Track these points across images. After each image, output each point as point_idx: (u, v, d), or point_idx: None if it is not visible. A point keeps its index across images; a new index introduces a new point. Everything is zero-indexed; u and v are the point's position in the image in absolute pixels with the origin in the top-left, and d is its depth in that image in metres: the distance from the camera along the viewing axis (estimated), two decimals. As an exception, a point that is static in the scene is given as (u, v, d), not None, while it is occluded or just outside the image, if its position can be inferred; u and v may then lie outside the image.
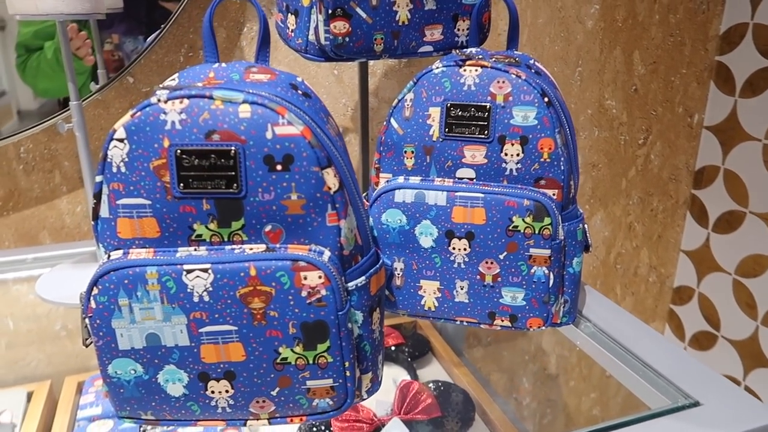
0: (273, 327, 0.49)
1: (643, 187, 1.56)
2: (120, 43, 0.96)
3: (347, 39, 0.71)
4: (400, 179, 0.68)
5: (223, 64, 0.53)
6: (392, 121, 0.68)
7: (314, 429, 0.90)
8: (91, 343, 0.51)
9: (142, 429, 0.93)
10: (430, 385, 1.03)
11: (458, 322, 0.69)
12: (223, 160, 0.47)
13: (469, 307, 0.67)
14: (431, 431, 0.94)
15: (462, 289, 0.67)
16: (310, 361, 0.50)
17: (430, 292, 0.68)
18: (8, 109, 0.96)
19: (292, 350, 0.50)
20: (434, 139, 0.67)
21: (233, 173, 0.48)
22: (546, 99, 0.63)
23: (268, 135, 0.47)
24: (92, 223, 0.50)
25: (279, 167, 0.48)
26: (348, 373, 0.51)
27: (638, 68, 1.40)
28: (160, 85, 0.50)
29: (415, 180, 0.68)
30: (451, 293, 0.67)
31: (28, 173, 0.99)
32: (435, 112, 0.66)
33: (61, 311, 1.06)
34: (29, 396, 0.97)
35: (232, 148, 0.47)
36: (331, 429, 0.91)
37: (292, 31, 0.77)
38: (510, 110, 0.64)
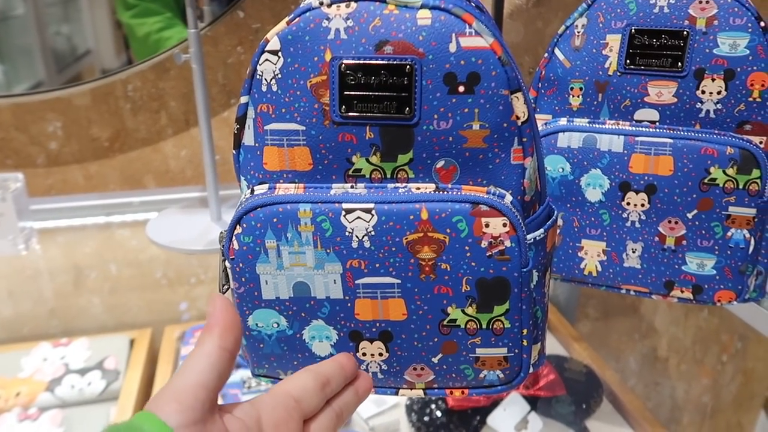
0: (443, 282, 0.41)
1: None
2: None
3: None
4: (563, 121, 0.58)
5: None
6: (557, 52, 0.58)
7: (427, 398, 0.84)
8: (228, 289, 0.45)
9: (246, 386, 0.89)
10: (551, 359, 0.94)
11: (624, 291, 0.59)
12: (395, 78, 0.39)
13: (640, 274, 0.57)
14: (553, 411, 0.85)
15: (634, 252, 0.57)
16: (483, 326, 0.42)
17: (593, 254, 0.58)
18: (92, 69, 0.95)
19: (462, 311, 0.42)
20: (610, 73, 0.56)
21: (406, 94, 0.39)
22: (762, 24, 0.51)
23: (452, 47, 0.38)
24: (233, 152, 0.44)
25: (461, 88, 0.39)
26: (525, 342, 0.43)
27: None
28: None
29: (581, 122, 0.58)
30: (619, 257, 0.57)
31: (135, 113, 0.95)
32: (614, 41, 0.55)
33: (162, 259, 1.03)
34: (131, 343, 0.95)
35: (408, 62, 0.39)
36: (445, 399, 0.84)
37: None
38: (714, 37, 0.52)
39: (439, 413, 0.81)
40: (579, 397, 0.85)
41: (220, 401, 0.36)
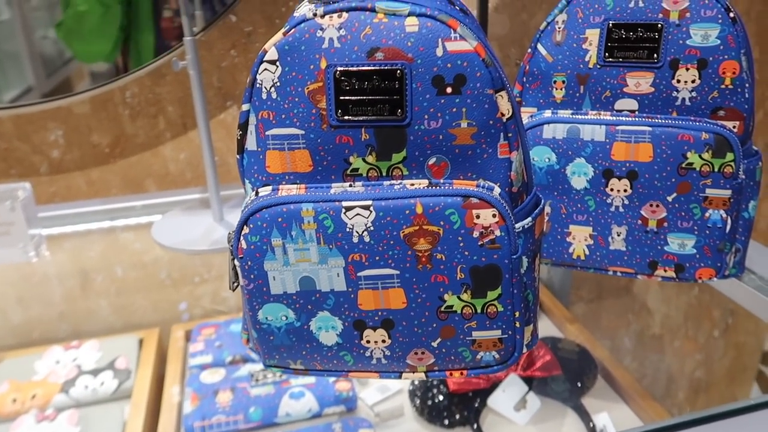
0: (439, 271, 0.44)
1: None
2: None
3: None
4: (547, 113, 0.61)
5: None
6: (539, 47, 0.61)
7: (429, 383, 0.87)
8: (238, 286, 0.48)
9: (254, 379, 0.91)
10: (546, 341, 0.97)
11: (611, 273, 0.62)
12: (387, 82, 0.42)
13: (626, 256, 0.60)
14: (550, 390, 0.89)
15: (619, 235, 0.60)
16: (478, 310, 0.45)
17: (580, 238, 0.61)
18: (80, 73, 0.96)
19: (458, 298, 0.45)
20: (591, 65, 0.59)
21: (398, 97, 0.42)
22: (731, 15, 0.54)
23: (438, 52, 0.41)
24: (237, 156, 0.46)
25: (449, 90, 0.42)
26: (518, 324, 0.46)
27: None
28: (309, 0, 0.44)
29: (565, 113, 0.61)
30: (605, 240, 0.61)
31: (134, 118, 0.97)
32: (593, 35, 0.58)
33: (165, 260, 1.06)
34: (140, 343, 0.97)
35: (398, 67, 0.41)
36: (447, 383, 0.88)
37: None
38: (686, 29, 0.55)
39: (441, 397, 0.84)
40: (574, 375, 0.88)
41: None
